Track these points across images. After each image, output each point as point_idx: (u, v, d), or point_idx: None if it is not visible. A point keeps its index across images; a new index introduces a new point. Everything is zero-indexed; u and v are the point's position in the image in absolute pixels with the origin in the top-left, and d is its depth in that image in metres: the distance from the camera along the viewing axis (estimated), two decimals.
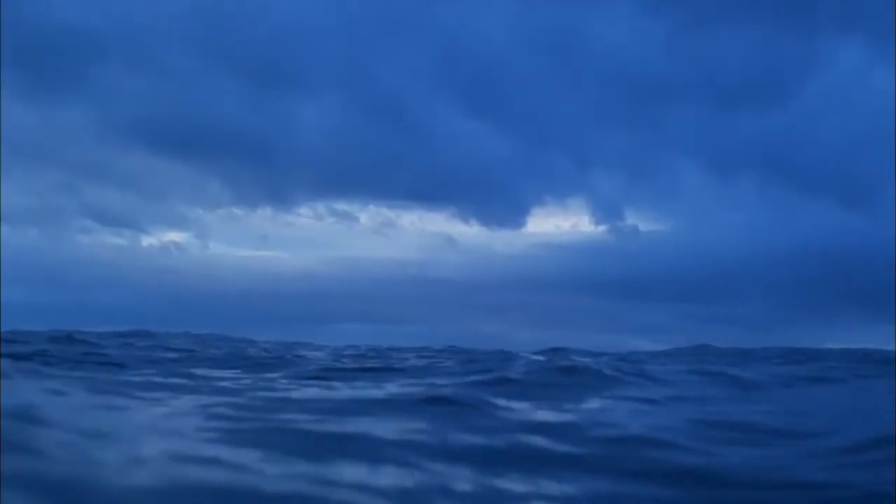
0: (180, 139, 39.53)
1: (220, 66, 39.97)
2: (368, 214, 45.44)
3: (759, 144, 42.51)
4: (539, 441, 3.66)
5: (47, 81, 37.03)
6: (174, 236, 43.72)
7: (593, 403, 5.85)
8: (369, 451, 3.26)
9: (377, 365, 10.22)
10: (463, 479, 2.91)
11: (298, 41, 40.36)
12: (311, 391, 6.15)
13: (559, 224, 48.29)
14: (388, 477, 2.87)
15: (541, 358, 10.98)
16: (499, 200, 44.65)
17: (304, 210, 43.09)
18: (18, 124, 38.93)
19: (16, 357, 8.22)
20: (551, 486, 2.93)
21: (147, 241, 41.97)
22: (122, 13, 36.73)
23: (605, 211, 43.35)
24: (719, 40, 40.86)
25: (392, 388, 6.23)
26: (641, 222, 45.67)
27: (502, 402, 5.03)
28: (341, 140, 41.31)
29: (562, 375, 7.81)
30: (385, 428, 3.72)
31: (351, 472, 2.91)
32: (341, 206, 44.55)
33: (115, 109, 37.59)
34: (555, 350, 21.26)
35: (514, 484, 2.92)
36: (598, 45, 41.84)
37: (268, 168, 42.21)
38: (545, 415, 4.82)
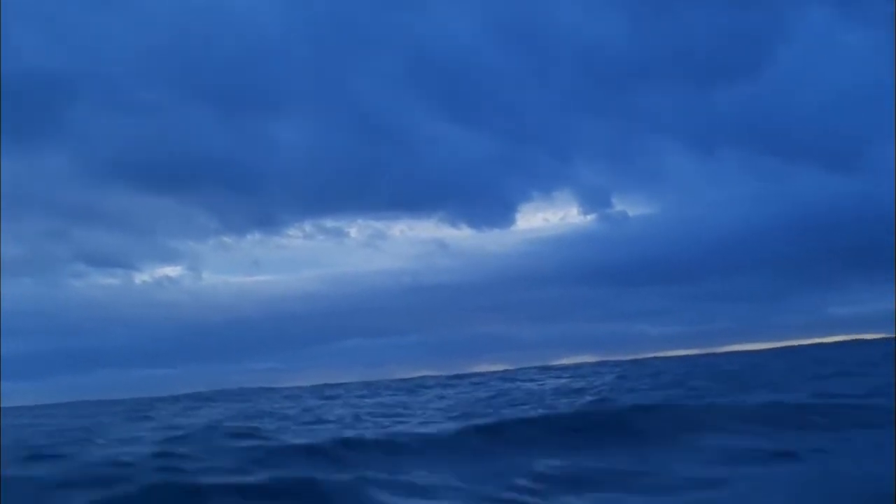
0: (162, 173, 39.59)
1: (193, 97, 39.94)
2: (357, 228, 45.57)
3: (737, 117, 42.81)
4: None
5: (25, 129, 36.84)
6: (167, 270, 43.76)
7: None
8: None
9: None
10: None
11: (268, 63, 40.42)
12: None
13: (548, 218, 48.41)
14: None
15: None
16: (485, 201, 44.69)
17: (293, 231, 43.23)
18: (2, 175, 38.52)
19: None
20: None
21: (140, 278, 41.89)
22: (88, 52, 36.54)
23: (593, 200, 43.54)
24: (686, 19, 41.00)
25: None
26: (630, 207, 45.81)
27: None
28: (322, 157, 41.35)
29: None
30: None
31: None
32: (329, 222, 44.57)
33: (94, 150, 37.53)
34: None
35: None
36: (567, 36, 42.07)
37: (252, 193, 42.25)
38: None
